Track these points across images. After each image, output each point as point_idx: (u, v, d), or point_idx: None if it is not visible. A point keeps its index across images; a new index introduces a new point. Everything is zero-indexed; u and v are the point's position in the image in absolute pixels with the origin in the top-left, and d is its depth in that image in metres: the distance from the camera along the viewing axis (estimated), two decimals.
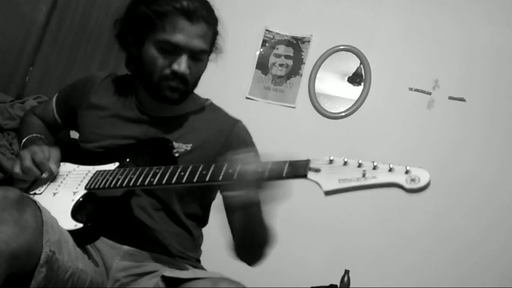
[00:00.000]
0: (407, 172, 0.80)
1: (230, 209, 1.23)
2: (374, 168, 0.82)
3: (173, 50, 1.17)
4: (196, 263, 1.27)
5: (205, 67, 1.27)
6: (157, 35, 1.17)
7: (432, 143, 2.40)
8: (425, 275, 2.27)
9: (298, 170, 0.88)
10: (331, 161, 0.86)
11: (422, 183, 0.78)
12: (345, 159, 0.85)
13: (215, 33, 1.26)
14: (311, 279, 2.35)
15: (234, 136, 1.28)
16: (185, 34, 1.16)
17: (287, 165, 0.90)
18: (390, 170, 0.81)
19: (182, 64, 1.17)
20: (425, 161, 2.37)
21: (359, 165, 0.83)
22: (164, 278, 1.06)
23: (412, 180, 0.78)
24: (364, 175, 0.81)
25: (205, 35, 1.20)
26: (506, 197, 2.26)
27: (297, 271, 2.41)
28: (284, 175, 0.90)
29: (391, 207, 2.30)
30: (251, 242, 1.17)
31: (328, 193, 0.83)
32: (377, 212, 2.35)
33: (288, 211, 2.46)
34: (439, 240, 2.29)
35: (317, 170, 0.86)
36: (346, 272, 2.13)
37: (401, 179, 0.79)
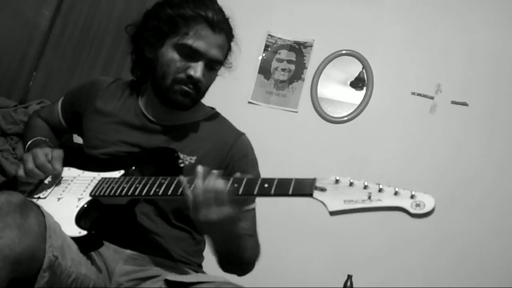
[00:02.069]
0: (412, 196, 0.80)
1: None
2: (380, 190, 0.82)
3: (191, 56, 1.20)
4: (198, 268, 1.27)
5: (214, 78, 1.29)
6: (179, 39, 1.19)
7: (434, 148, 2.40)
8: (427, 278, 2.26)
9: (304, 188, 0.89)
10: (337, 181, 0.86)
11: (427, 208, 0.79)
12: (351, 180, 0.85)
13: (229, 49, 1.29)
14: (314, 284, 2.35)
15: (237, 149, 1.28)
16: (207, 41, 1.19)
17: (293, 183, 0.91)
18: (396, 193, 0.81)
19: (198, 70, 1.19)
20: (427, 165, 2.36)
21: (365, 187, 0.83)
22: (167, 282, 1.06)
23: (417, 205, 0.79)
24: (369, 197, 0.82)
25: (223, 47, 1.24)
26: (507, 201, 2.25)
27: (300, 276, 2.40)
28: (290, 193, 0.91)
29: (392, 211, 2.29)
30: (236, 255, 1.16)
31: (333, 213, 0.83)
32: (379, 216, 2.34)
33: (290, 215, 2.46)
34: (441, 244, 2.29)
35: (322, 190, 0.86)
36: (349, 277, 2.12)
37: (406, 203, 0.80)
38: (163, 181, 1.04)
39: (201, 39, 1.19)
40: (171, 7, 1.22)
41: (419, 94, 2.46)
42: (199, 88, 1.23)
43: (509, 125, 2.33)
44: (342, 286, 2.13)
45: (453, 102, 2.41)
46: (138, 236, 1.18)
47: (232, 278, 1.14)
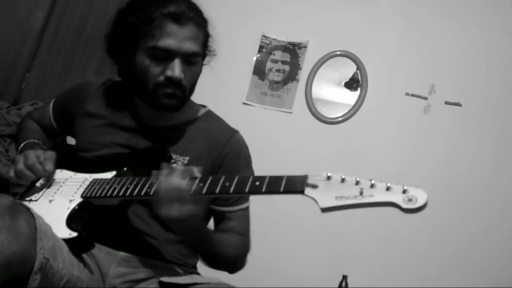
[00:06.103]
0: (404, 191, 0.79)
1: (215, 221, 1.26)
2: (372, 186, 0.81)
3: (165, 56, 1.15)
4: (193, 270, 1.27)
5: (200, 71, 1.24)
6: (147, 43, 1.15)
7: (428, 148, 2.40)
8: (423, 278, 2.26)
9: (296, 185, 0.88)
10: (328, 177, 0.86)
11: (419, 203, 0.78)
12: (343, 176, 0.84)
13: (206, 35, 1.23)
14: (309, 284, 2.34)
15: (230, 147, 1.26)
16: (175, 37, 1.14)
17: (284, 180, 0.90)
18: (388, 189, 0.80)
19: (175, 69, 1.14)
20: (421, 165, 2.37)
21: (357, 183, 0.83)
22: (162, 284, 1.06)
23: (409, 200, 0.78)
24: (361, 193, 0.81)
25: (196, 37, 1.17)
26: (501, 200, 2.26)
27: (295, 277, 2.40)
28: (281, 190, 0.90)
29: (387, 211, 2.29)
30: (214, 253, 1.16)
31: (324, 210, 0.82)
32: (374, 216, 2.35)
33: (285, 216, 2.46)
34: (436, 244, 2.29)
35: (314, 186, 0.85)
36: (344, 277, 2.12)
37: (398, 198, 0.79)
38: (154, 181, 1.03)
39: (169, 37, 1.13)
40: (132, 13, 1.18)
41: (413, 95, 2.47)
42: (183, 86, 1.18)
43: (502, 125, 2.34)
44: (337, 286, 2.12)
45: (447, 103, 2.42)
46: (130, 238, 1.18)
47: (226, 278, 1.14)
